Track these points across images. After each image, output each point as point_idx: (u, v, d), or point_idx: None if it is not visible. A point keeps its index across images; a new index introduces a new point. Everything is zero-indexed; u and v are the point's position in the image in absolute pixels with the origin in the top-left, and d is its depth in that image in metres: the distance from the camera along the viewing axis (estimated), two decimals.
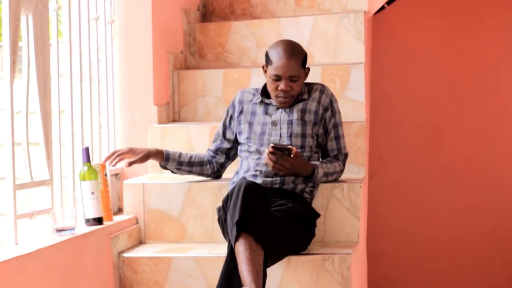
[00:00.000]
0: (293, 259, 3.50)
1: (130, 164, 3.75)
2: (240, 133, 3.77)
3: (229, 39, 4.77)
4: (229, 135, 3.84)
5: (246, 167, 3.68)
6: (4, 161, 3.12)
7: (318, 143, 3.76)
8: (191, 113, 4.55)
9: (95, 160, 3.93)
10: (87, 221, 3.56)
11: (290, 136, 3.67)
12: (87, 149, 3.58)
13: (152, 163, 4.09)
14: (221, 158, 3.87)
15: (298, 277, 3.50)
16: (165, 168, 3.84)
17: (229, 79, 4.51)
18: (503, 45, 5.58)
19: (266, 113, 3.73)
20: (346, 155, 3.79)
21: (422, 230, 5.66)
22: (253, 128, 3.72)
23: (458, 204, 5.63)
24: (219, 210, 3.56)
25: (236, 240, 3.20)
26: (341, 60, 4.57)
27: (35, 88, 3.34)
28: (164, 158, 3.80)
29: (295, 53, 3.64)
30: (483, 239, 5.62)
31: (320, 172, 3.63)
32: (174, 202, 3.87)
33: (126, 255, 3.67)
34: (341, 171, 3.77)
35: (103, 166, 3.67)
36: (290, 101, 3.69)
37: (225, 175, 3.94)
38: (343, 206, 3.75)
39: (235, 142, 3.84)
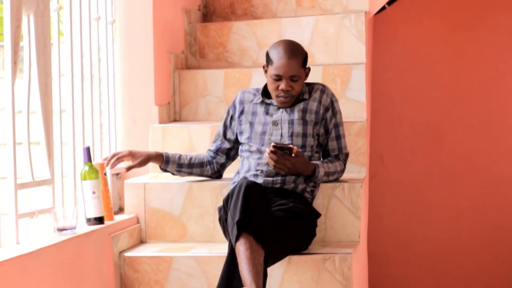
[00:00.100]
0: (294, 258, 3.51)
1: (129, 168, 3.76)
2: (241, 133, 3.78)
3: (230, 39, 4.77)
4: (230, 135, 3.85)
5: (247, 167, 3.69)
6: (5, 160, 3.13)
7: (319, 143, 3.76)
8: (192, 113, 4.56)
9: (96, 160, 3.93)
10: (88, 220, 3.56)
11: (291, 135, 3.67)
12: (88, 149, 3.58)
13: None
14: (221, 159, 3.87)
15: (299, 277, 3.50)
16: (166, 170, 3.84)
17: (230, 79, 4.52)
18: (503, 45, 5.59)
19: (267, 113, 3.74)
20: (347, 155, 3.80)
21: (423, 230, 5.66)
22: (254, 128, 3.73)
23: (459, 204, 5.64)
24: (220, 209, 3.57)
25: (237, 239, 3.20)
26: (342, 60, 4.57)
27: (36, 88, 3.35)
28: (164, 161, 3.80)
29: (296, 53, 3.64)
30: (483, 239, 5.62)
31: (321, 171, 3.64)
32: (175, 201, 3.88)
33: (127, 254, 3.68)
34: (342, 171, 3.77)
35: (102, 166, 3.68)
36: (290, 101, 3.70)
37: (225, 174, 3.95)
38: (344, 206, 3.76)
39: (236, 142, 3.84)
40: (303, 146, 3.68)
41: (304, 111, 3.70)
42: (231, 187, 3.65)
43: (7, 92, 3.12)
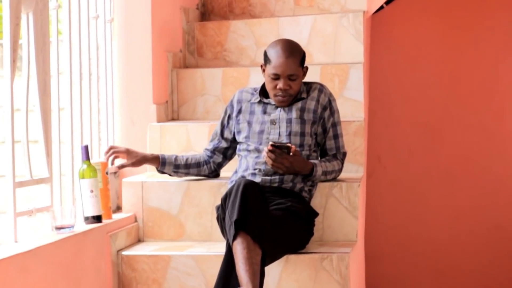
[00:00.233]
0: (292, 258, 3.51)
1: (121, 167, 3.77)
2: (239, 132, 3.78)
3: (228, 38, 4.78)
4: (227, 134, 3.85)
5: (245, 166, 3.69)
6: (4, 158, 3.13)
7: (317, 142, 3.77)
8: (190, 111, 4.56)
9: (95, 158, 3.94)
10: (86, 219, 3.56)
11: (289, 134, 3.68)
12: (86, 147, 3.58)
13: None
14: (218, 158, 3.87)
15: (297, 276, 3.51)
16: (163, 172, 3.85)
17: (228, 78, 4.52)
18: (502, 44, 5.59)
19: (265, 112, 3.74)
20: (344, 154, 3.80)
21: (420, 229, 5.67)
22: (252, 127, 3.73)
23: (457, 204, 5.64)
24: (217, 208, 3.57)
25: (234, 239, 3.20)
26: (340, 59, 4.58)
27: (35, 86, 3.35)
28: (161, 163, 3.81)
29: (294, 52, 3.65)
30: (482, 239, 5.63)
31: (319, 170, 3.64)
32: (173, 200, 3.88)
33: (125, 253, 3.68)
34: (340, 170, 3.78)
35: (104, 165, 3.68)
36: (288, 100, 3.70)
37: (223, 173, 3.95)
38: (342, 205, 3.76)
39: (233, 142, 3.84)
40: (301, 145, 3.68)
41: (302, 110, 3.71)
42: (229, 186, 3.66)
43: (6, 90, 3.12)
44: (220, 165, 3.90)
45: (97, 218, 3.57)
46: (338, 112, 3.79)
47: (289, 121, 3.69)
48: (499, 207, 5.61)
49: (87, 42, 3.95)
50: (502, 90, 5.62)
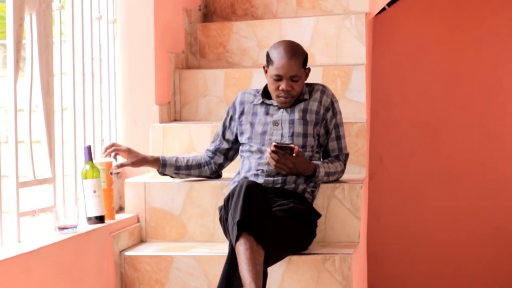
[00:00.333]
0: (294, 258, 3.52)
1: (121, 166, 3.78)
2: (241, 133, 3.78)
3: (230, 39, 4.78)
4: (229, 135, 3.85)
5: (247, 167, 3.70)
6: (7, 159, 3.13)
7: (319, 143, 3.77)
8: (192, 112, 4.56)
9: (97, 159, 3.94)
10: (89, 219, 3.57)
11: (292, 135, 3.68)
12: (89, 148, 3.59)
13: None
14: (219, 159, 3.88)
15: (299, 277, 3.51)
16: (164, 174, 3.85)
17: (230, 79, 4.52)
18: (503, 46, 5.60)
19: (267, 113, 3.75)
20: (347, 155, 3.81)
21: (422, 230, 5.67)
22: (254, 128, 3.74)
23: (458, 204, 5.65)
24: (220, 209, 3.58)
25: (237, 240, 3.20)
26: (342, 61, 4.58)
27: (38, 86, 3.36)
28: (161, 165, 3.81)
29: (296, 53, 3.65)
30: (483, 240, 5.63)
31: (321, 171, 3.64)
32: (175, 201, 3.89)
33: (127, 253, 3.68)
34: (342, 171, 3.78)
35: (108, 165, 3.69)
36: (291, 101, 3.71)
37: (226, 174, 3.95)
38: (344, 206, 3.77)
39: (234, 143, 3.85)
40: (304, 146, 3.68)
41: (304, 111, 3.71)
42: (232, 187, 3.66)
43: (9, 90, 3.12)
44: (221, 166, 3.90)
45: (100, 219, 3.57)
46: (340, 113, 3.80)
47: (291, 122, 3.69)
48: (501, 208, 5.62)
49: (90, 43, 3.96)
50: (504, 91, 5.62)
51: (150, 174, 4.16)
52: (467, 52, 5.62)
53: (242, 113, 3.79)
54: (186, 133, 4.26)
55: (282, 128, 3.70)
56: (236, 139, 3.83)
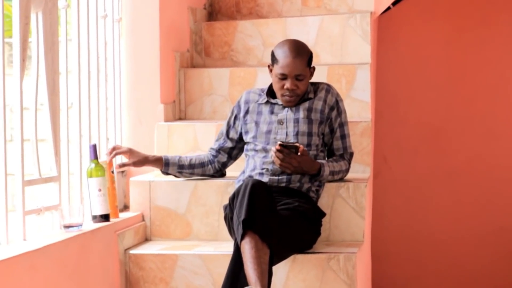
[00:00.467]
0: (299, 257, 3.52)
1: (122, 165, 3.78)
2: (246, 132, 3.79)
3: (235, 38, 4.78)
4: (233, 134, 3.86)
5: (252, 166, 3.70)
6: (13, 157, 3.14)
7: (324, 142, 3.77)
8: (197, 111, 4.57)
9: (103, 157, 3.94)
10: (94, 217, 3.58)
11: (297, 134, 3.69)
12: (94, 146, 3.60)
13: None
14: (223, 157, 3.88)
15: (304, 276, 3.51)
16: (167, 173, 3.86)
17: (235, 78, 4.53)
18: (508, 46, 5.60)
19: (272, 112, 3.75)
20: (351, 154, 3.81)
21: (426, 230, 5.67)
22: (259, 127, 3.74)
23: (462, 204, 5.65)
24: (225, 208, 3.58)
25: (242, 238, 3.21)
26: (347, 60, 4.58)
27: (44, 85, 3.36)
28: (164, 164, 3.81)
29: (301, 52, 3.66)
30: (487, 240, 5.63)
31: (326, 170, 3.65)
32: (180, 199, 3.89)
33: (132, 252, 3.69)
34: (347, 170, 3.78)
35: (110, 164, 3.69)
36: (295, 100, 3.71)
37: (230, 173, 3.96)
38: (349, 205, 3.77)
39: (238, 142, 3.85)
40: (309, 145, 3.69)
41: (309, 110, 3.71)
42: (237, 186, 3.66)
43: (15, 89, 3.13)
44: (225, 165, 3.90)
45: (105, 217, 3.58)
46: (345, 112, 3.80)
47: (296, 121, 3.70)
48: (506, 208, 5.62)
49: (95, 41, 3.96)
50: (508, 91, 5.62)
51: (155, 172, 4.16)
52: (472, 52, 5.62)
53: (247, 112, 3.80)
54: (191, 132, 4.26)
55: (287, 127, 3.70)
56: (240, 138, 3.83)
